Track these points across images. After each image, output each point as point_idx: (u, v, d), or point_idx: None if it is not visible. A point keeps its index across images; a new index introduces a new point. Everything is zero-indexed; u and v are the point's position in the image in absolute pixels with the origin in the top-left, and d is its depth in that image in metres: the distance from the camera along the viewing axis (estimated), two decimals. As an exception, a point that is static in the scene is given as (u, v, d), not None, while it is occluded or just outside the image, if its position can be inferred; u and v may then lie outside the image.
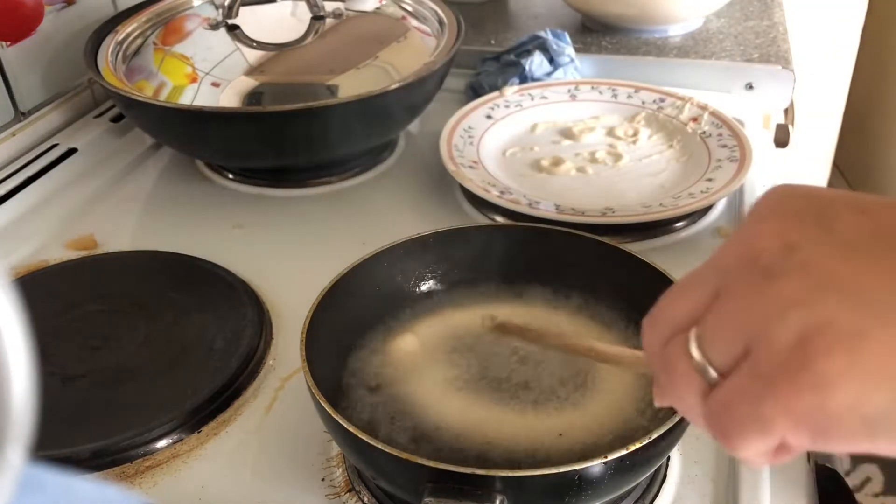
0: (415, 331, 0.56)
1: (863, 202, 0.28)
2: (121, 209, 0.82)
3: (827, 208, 0.28)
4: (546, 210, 0.71)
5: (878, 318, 0.26)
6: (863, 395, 0.25)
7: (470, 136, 0.84)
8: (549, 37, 0.97)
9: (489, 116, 0.87)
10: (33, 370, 0.19)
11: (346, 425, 0.42)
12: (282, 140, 0.77)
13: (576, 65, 0.97)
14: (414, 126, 0.94)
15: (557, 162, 0.82)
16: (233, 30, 0.86)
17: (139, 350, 0.61)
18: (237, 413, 0.57)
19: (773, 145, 0.93)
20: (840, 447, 0.27)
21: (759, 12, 1.16)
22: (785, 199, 0.29)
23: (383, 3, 0.93)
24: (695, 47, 1.05)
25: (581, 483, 0.41)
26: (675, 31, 1.10)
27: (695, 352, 0.29)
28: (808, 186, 0.30)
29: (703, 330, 0.29)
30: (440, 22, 0.89)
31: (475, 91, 0.95)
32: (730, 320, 0.28)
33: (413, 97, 0.82)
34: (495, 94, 0.90)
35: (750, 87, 0.98)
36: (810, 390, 0.26)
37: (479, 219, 0.76)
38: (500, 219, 0.75)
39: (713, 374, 0.29)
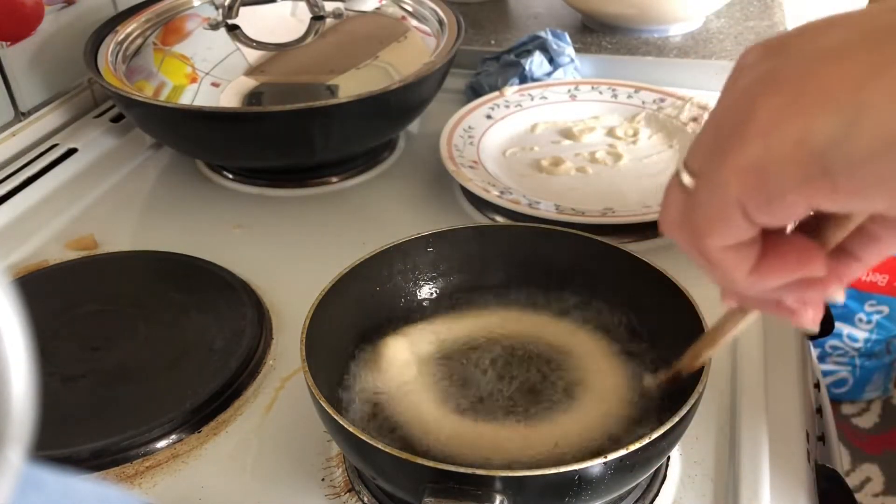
0: (413, 331, 0.55)
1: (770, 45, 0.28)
2: (121, 209, 0.82)
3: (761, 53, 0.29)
4: (546, 210, 0.71)
5: (823, 60, 0.25)
6: (807, 128, 0.25)
7: (470, 136, 0.84)
8: (549, 37, 0.97)
9: (489, 116, 0.87)
10: (33, 370, 0.19)
11: (346, 425, 0.43)
12: (282, 140, 0.77)
13: (576, 65, 0.97)
14: (414, 126, 0.94)
15: (557, 162, 0.82)
16: (233, 30, 0.86)
17: (139, 350, 0.61)
18: (237, 413, 0.57)
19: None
20: (799, 198, 0.26)
21: (759, 12, 1.16)
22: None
23: (383, 3, 0.93)
24: (695, 47, 1.06)
25: (581, 483, 0.41)
26: (675, 31, 1.10)
27: (679, 166, 0.30)
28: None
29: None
30: (440, 22, 0.89)
31: (475, 91, 0.95)
32: (702, 131, 0.29)
33: (413, 97, 0.82)
34: (495, 94, 0.90)
35: (750, 87, 0.98)
36: (755, 137, 0.26)
37: (479, 219, 0.76)
38: (500, 219, 0.75)
39: (686, 177, 0.29)
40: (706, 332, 0.44)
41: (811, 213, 0.28)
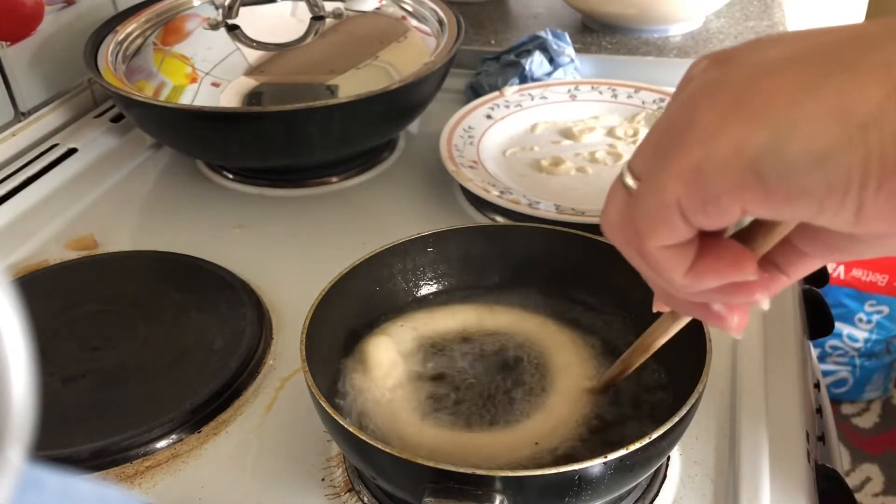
0: (401, 331, 0.55)
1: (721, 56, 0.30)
2: (121, 209, 0.82)
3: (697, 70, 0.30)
4: (546, 210, 0.71)
5: (763, 73, 0.27)
6: (745, 136, 0.26)
7: (470, 136, 0.84)
8: (549, 37, 0.97)
9: (489, 116, 0.87)
10: (33, 370, 0.19)
11: (346, 425, 0.43)
12: (282, 140, 0.77)
13: (576, 65, 0.97)
14: (414, 126, 0.94)
15: (557, 162, 0.82)
16: (233, 30, 0.86)
17: (139, 350, 0.61)
18: (237, 413, 0.57)
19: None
20: (734, 202, 0.27)
21: (759, 12, 1.16)
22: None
23: (383, 3, 0.93)
24: (695, 47, 1.06)
25: (581, 483, 0.41)
26: (675, 31, 1.10)
27: (623, 169, 0.31)
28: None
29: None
30: (440, 22, 0.89)
31: (475, 91, 0.95)
32: (649, 134, 0.30)
33: (413, 97, 0.82)
34: (495, 94, 0.90)
35: (750, 87, 0.97)
36: (696, 143, 0.27)
37: (479, 219, 0.76)
38: (500, 219, 0.75)
39: (629, 179, 0.30)
40: (638, 340, 0.44)
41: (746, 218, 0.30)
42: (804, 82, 0.26)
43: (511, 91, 0.90)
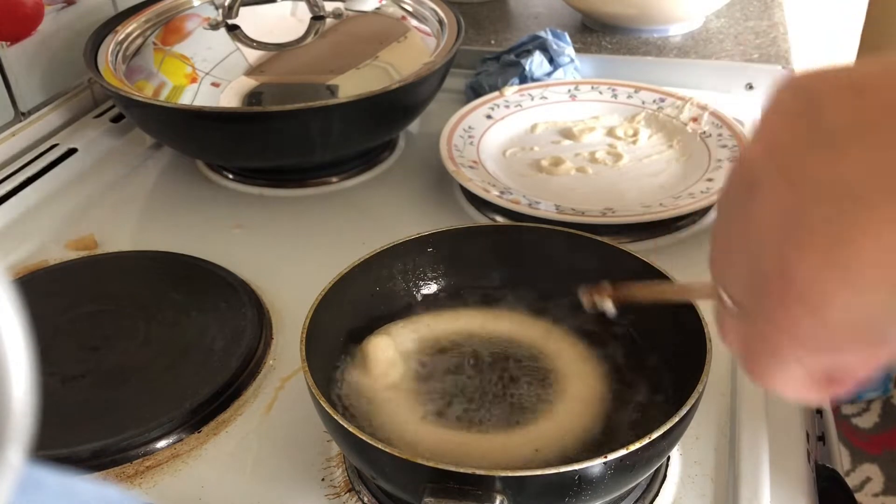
0: (402, 331, 0.55)
1: (859, 81, 0.25)
2: (121, 209, 0.82)
3: (816, 98, 0.25)
4: (546, 210, 0.71)
5: (851, 207, 0.23)
6: (859, 301, 0.24)
7: (470, 136, 0.84)
8: (549, 37, 0.97)
9: (489, 116, 0.87)
10: (33, 370, 0.19)
11: (346, 425, 0.43)
12: (282, 140, 0.77)
13: (576, 65, 0.97)
14: (414, 126, 0.94)
15: (557, 162, 0.82)
16: (233, 30, 0.86)
17: (139, 350, 0.61)
18: (237, 413, 0.57)
19: (773, 145, 0.93)
20: (863, 363, 0.26)
21: (759, 12, 1.16)
22: (781, 95, 0.27)
23: (383, 3, 0.93)
24: (695, 47, 1.06)
25: (581, 483, 0.41)
26: (675, 31, 1.10)
27: (718, 287, 0.30)
28: (808, 74, 0.26)
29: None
30: (440, 22, 0.89)
31: (475, 91, 0.95)
32: (725, 250, 0.28)
33: (413, 97, 0.82)
34: (495, 94, 0.90)
35: (750, 87, 0.98)
36: (806, 315, 0.25)
37: (479, 219, 0.76)
38: (500, 219, 0.75)
39: (727, 299, 0.29)
40: (683, 288, 0.43)
41: None
42: None
43: (511, 91, 0.90)
